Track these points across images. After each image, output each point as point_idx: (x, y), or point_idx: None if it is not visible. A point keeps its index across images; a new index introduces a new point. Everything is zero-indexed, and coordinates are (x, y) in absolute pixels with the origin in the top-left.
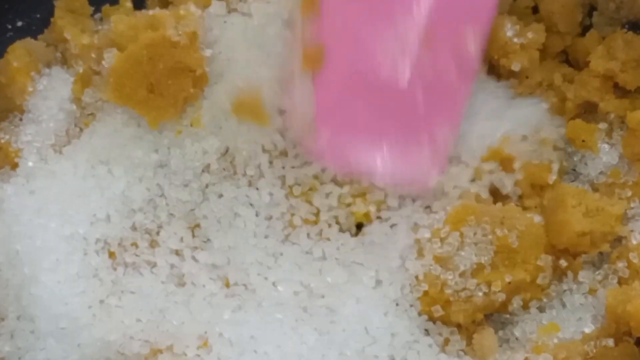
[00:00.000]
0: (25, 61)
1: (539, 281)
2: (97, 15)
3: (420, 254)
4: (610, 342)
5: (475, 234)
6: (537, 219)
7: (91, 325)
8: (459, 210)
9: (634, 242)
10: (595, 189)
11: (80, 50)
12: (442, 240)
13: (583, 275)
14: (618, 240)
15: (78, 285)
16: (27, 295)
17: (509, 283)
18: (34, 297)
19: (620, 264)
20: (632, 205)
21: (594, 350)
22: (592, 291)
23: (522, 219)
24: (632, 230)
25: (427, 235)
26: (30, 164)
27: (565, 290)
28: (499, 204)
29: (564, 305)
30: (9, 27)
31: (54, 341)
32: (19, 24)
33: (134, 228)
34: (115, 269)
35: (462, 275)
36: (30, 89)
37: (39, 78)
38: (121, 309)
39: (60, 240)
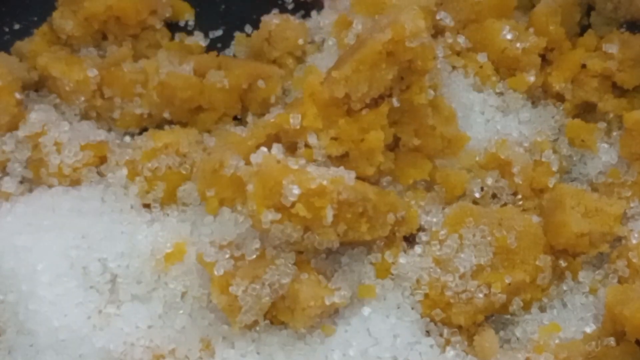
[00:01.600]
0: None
1: (538, 281)
2: None
3: (420, 256)
4: (612, 341)
5: (474, 235)
6: (535, 219)
7: (91, 335)
8: (457, 212)
9: (634, 241)
10: (594, 189)
11: (76, 86)
12: (441, 242)
13: (583, 275)
14: (617, 240)
15: (76, 297)
16: (24, 310)
17: (509, 284)
18: (32, 312)
19: (620, 264)
20: (631, 204)
21: (596, 350)
22: (592, 290)
23: (520, 219)
24: (631, 230)
25: (426, 238)
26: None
27: (565, 290)
28: (497, 206)
29: (564, 305)
30: (7, 29)
31: (54, 353)
32: (16, 26)
33: None
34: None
35: (462, 277)
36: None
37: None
38: (120, 317)
39: (59, 254)
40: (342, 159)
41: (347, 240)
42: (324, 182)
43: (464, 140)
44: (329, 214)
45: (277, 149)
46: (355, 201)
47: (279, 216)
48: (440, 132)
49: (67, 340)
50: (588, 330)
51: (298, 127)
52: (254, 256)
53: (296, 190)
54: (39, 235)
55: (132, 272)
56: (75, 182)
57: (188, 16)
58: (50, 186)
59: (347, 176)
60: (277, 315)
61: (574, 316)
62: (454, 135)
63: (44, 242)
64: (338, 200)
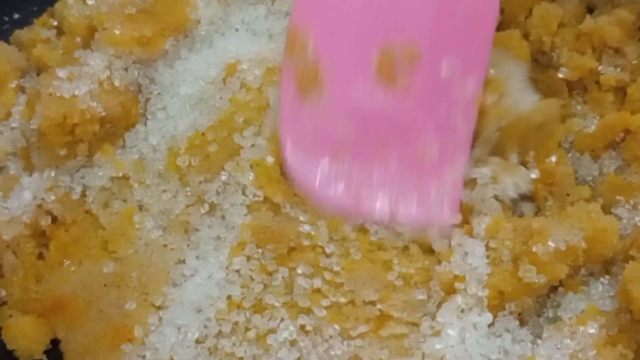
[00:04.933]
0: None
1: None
2: None
3: None
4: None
5: None
6: None
7: None
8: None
9: None
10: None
11: None
12: None
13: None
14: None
15: None
16: None
17: None
18: None
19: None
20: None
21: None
22: (613, 275)
23: None
24: None
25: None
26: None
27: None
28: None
29: (591, 285)
30: (6, 19)
31: None
32: (16, 16)
33: None
34: None
35: None
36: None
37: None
38: None
39: None
40: None
41: None
42: None
43: None
44: None
45: None
46: None
47: None
48: None
49: None
50: (606, 309)
51: None
52: None
53: None
54: None
55: None
56: None
57: None
58: None
59: None
60: None
61: (597, 294)
62: None
63: None
64: None
